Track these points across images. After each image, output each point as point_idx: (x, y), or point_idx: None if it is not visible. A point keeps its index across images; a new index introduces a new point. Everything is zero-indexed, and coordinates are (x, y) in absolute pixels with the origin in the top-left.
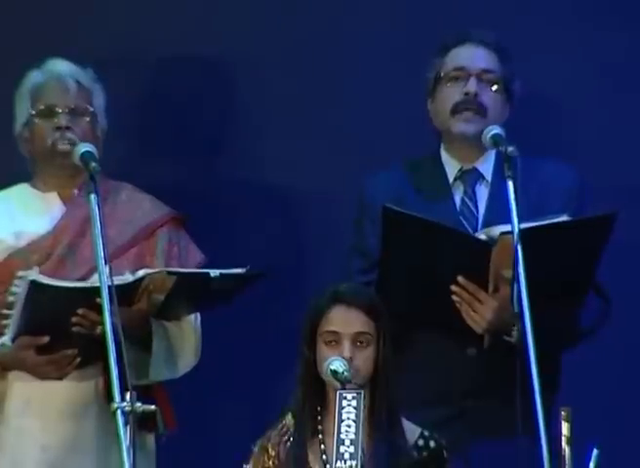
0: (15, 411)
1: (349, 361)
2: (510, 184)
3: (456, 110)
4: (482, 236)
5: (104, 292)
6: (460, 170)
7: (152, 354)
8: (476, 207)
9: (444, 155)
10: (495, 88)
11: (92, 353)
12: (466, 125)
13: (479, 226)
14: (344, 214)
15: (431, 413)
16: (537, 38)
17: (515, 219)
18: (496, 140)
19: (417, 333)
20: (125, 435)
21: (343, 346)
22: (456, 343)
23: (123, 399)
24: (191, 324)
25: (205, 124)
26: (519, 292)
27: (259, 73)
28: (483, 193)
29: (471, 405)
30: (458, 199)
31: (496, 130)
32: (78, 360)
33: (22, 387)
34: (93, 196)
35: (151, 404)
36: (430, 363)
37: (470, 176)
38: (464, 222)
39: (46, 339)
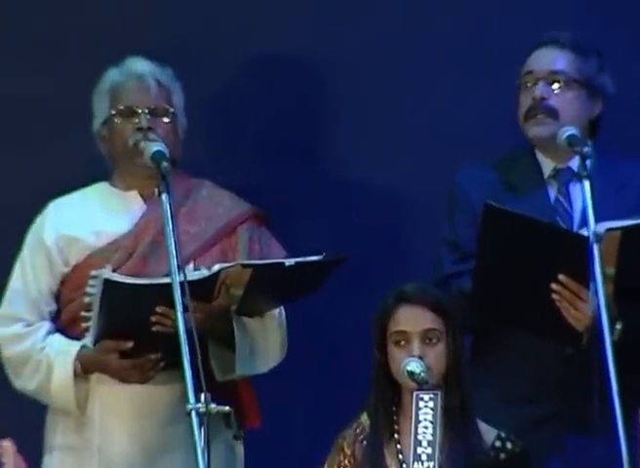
0: (98, 414)
1: (420, 359)
2: (586, 184)
3: (527, 116)
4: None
5: (176, 289)
6: (553, 168)
7: (236, 350)
8: (570, 205)
9: (538, 153)
10: (566, 89)
11: (175, 356)
12: (539, 128)
13: (574, 224)
14: (436, 211)
15: (528, 412)
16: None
17: (591, 219)
18: (571, 141)
19: (514, 332)
20: (199, 436)
21: (413, 345)
22: (553, 342)
23: (198, 400)
24: (275, 319)
25: (291, 123)
26: (596, 291)
27: (348, 72)
28: (577, 191)
29: (568, 404)
30: (552, 197)
31: (570, 131)
32: (162, 364)
33: (105, 390)
34: (164, 195)
35: (236, 402)
36: (528, 362)
37: (564, 175)
38: (559, 220)
39: (129, 345)
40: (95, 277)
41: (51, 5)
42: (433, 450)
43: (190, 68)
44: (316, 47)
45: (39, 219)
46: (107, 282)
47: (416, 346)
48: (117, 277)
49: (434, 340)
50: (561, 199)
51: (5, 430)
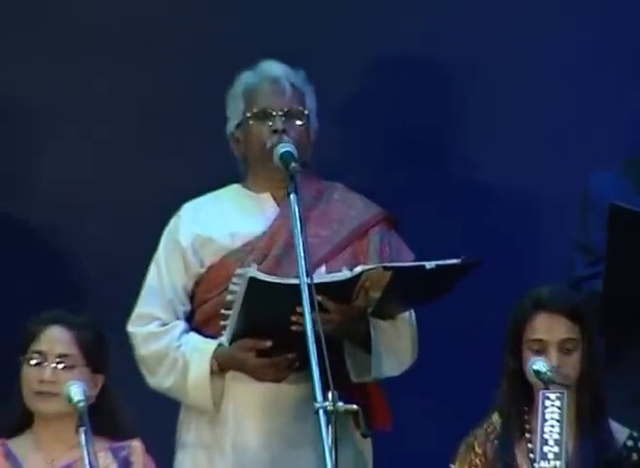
0: (232, 411)
1: (557, 368)
2: None
3: None
4: None
5: (304, 289)
6: None
7: (372, 352)
8: None
9: None
10: None
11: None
12: None
13: None
14: (567, 213)
15: None
16: None
17: None
18: None
19: None
20: (327, 434)
21: (550, 354)
22: None
23: (325, 399)
24: (407, 322)
25: (420, 125)
26: None
27: (474, 73)
28: None
29: None
30: None
31: None
32: (297, 364)
33: (239, 388)
34: (292, 196)
35: (366, 405)
36: None
37: None
38: None
39: (269, 344)
40: (240, 275)
41: (187, 15)
42: (560, 449)
43: (320, 72)
44: (445, 48)
45: (174, 221)
46: (252, 280)
47: (553, 356)
48: (262, 276)
49: (571, 349)
50: None
51: (136, 430)
